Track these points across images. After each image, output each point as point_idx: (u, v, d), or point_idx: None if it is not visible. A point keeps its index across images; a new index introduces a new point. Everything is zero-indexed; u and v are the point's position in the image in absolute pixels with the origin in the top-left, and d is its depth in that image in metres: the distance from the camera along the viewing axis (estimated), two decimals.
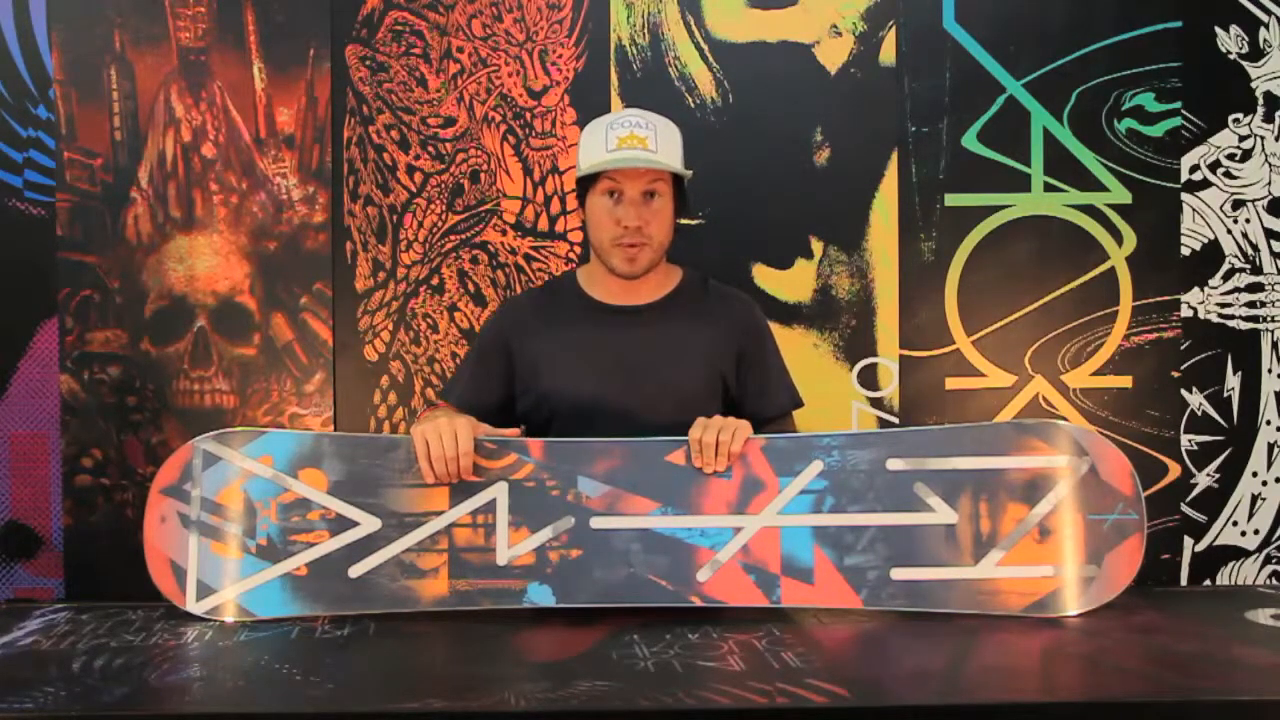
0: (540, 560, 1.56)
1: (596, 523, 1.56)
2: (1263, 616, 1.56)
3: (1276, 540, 2.28)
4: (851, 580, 1.55)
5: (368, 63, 2.24)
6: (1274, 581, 2.28)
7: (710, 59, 2.25)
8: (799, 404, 1.83)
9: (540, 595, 1.55)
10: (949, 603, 1.55)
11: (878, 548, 1.56)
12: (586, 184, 1.71)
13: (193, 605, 1.56)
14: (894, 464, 1.57)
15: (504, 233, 2.24)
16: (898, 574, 1.55)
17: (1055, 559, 1.55)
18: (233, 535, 1.58)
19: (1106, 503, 1.57)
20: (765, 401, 1.78)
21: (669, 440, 1.60)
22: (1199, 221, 2.27)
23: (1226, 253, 2.27)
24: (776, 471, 1.57)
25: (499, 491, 1.57)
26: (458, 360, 2.22)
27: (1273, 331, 2.27)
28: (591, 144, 1.70)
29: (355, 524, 1.57)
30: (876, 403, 2.26)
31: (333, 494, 1.58)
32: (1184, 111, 2.26)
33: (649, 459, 1.58)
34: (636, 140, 1.67)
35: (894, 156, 2.26)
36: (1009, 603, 1.54)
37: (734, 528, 1.56)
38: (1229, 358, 2.27)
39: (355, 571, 1.56)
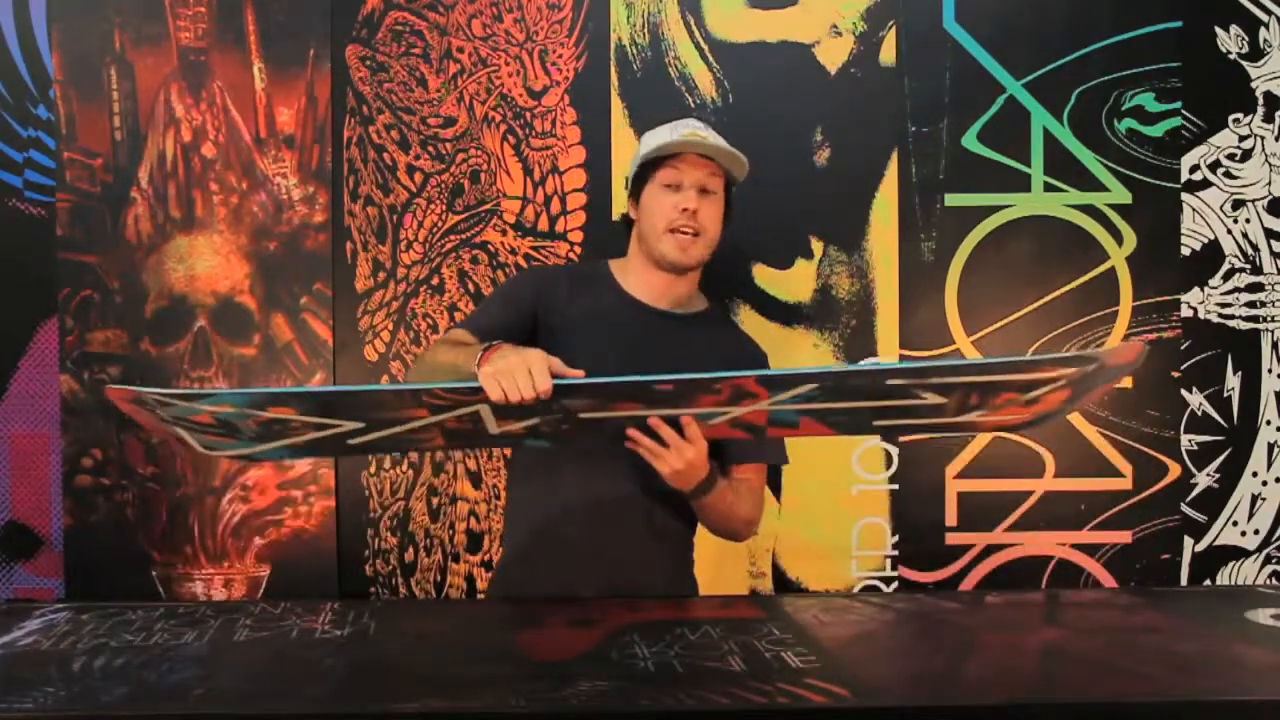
0: (532, 432, 1.53)
1: (586, 415, 1.51)
2: (1263, 616, 1.56)
3: (1276, 540, 2.28)
4: (831, 423, 1.53)
5: (368, 63, 2.24)
6: (1274, 581, 2.28)
7: (710, 59, 2.25)
8: (785, 460, 1.82)
9: (538, 442, 1.55)
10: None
11: (863, 412, 1.52)
12: (643, 179, 1.74)
13: (202, 451, 1.55)
14: (894, 381, 1.50)
15: (504, 233, 2.24)
16: (879, 422, 1.54)
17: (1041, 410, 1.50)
18: (222, 437, 1.53)
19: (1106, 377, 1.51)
20: (759, 448, 1.75)
21: (658, 377, 1.52)
22: (1199, 221, 2.27)
23: (1226, 253, 2.27)
24: (769, 390, 1.50)
25: (482, 409, 1.49)
26: None
27: (1273, 331, 2.27)
28: (655, 138, 1.78)
29: (339, 425, 1.52)
30: None
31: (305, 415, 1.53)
32: (1184, 111, 2.26)
33: (638, 385, 1.53)
34: (699, 137, 1.75)
35: (894, 156, 2.26)
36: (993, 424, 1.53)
37: (723, 411, 1.52)
38: (1229, 358, 2.27)
39: (355, 441, 1.53)
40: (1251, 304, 2.27)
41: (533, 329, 1.77)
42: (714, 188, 1.75)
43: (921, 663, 1.36)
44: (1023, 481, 2.27)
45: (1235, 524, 2.28)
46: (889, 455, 2.27)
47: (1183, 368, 2.27)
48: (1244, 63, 2.26)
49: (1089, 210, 2.26)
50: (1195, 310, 2.27)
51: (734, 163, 1.77)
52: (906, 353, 2.25)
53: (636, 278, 1.80)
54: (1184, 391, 2.27)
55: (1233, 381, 2.27)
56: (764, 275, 2.26)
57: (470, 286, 2.24)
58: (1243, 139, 2.26)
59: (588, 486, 1.70)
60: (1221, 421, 2.27)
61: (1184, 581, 2.27)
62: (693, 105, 2.24)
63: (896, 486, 2.27)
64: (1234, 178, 2.27)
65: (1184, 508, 2.27)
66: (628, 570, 1.70)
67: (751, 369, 1.68)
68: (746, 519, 1.74)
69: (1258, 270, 2.27)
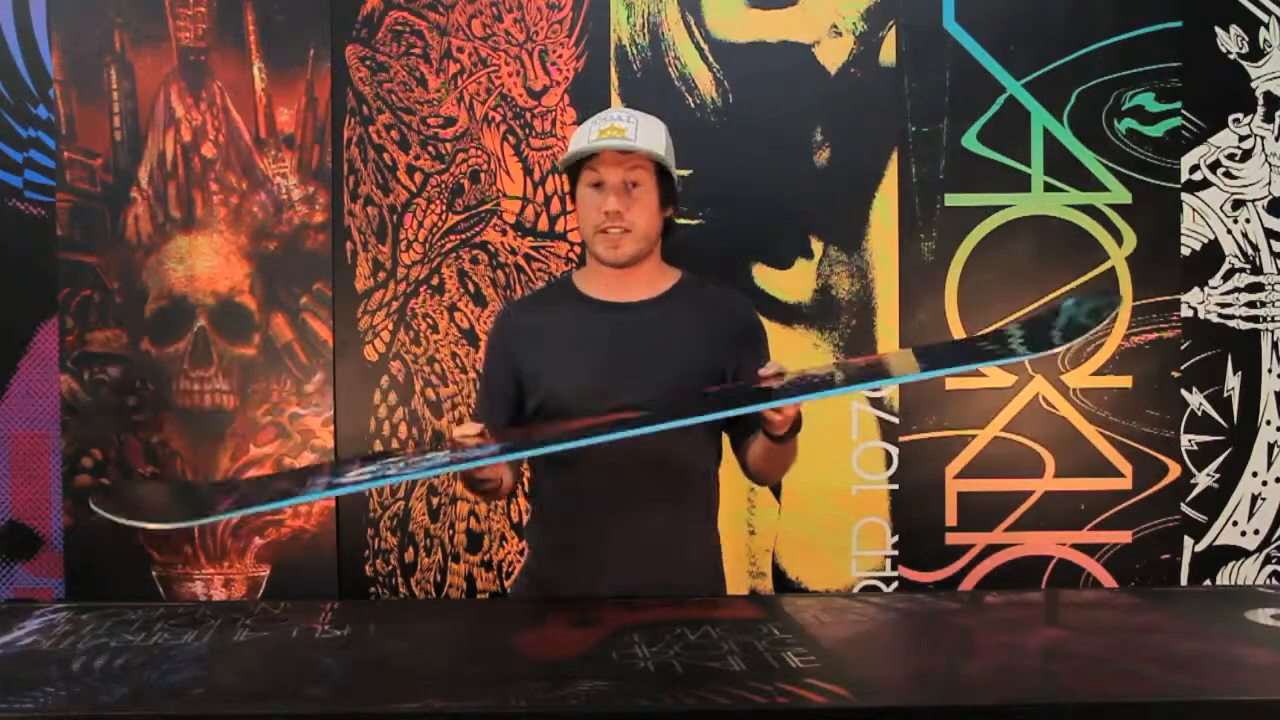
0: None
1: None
2: (1263, 616, 1.56)
3: (1276, 540, 2.28)
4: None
5: (368, 63, 2.24)
6: (1274, 581, 2.28)
7: (710, 59, 2.25)
8: None
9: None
10: None
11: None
12: (574, 180, 1.73)
13: None
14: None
15: (504, 233, 2.24)
16: None
17: None
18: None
19: None
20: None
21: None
22: (1199, 221, 2.27)
23: (1226, 253, 2.27)
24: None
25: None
26: (458, 360, 2.23)
27: (1273, 331, 2.27)
28: (576, 138, 1.74)
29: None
30: (876, 403, 2.26)
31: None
32: (1184, 111, 2.26)
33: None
34: (616, 131, 1.69)
35: (894, 156, 2.26)
36: None
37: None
38: (1229, 358, 2.27)
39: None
40: (1251, 304, 2.27)
41: (520, 379, 1.76)
42: (640, 179, 1.69)
43: (921, 663, 1.36)
44: (1023, 481, 2.27)
45: (1235, 524, 2.28)
46: (889, 455, 2.27)
47: (1183, 368, 2.27)
48: (1244, 63, 2.26)
49: (1089, 210, 2.26)
50: (1195, 310, 2.27)
51: (653, 149, 1.69)
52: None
53: (594, 279, 1.78)
54: (1184, 391, 2.27)
55: (1233, 381, 2.27)
56: (764, 275, 2.26)
57: (470, 286, 2.24)
58: (1243, 139, 2.26)
59: (613, 478, 1.70)
60: (1221, 421, 2.27)
61: (1184, 581, 2.27)
62: (693, 105, 2.24)
63: (896, 486, 2.27)
64: (1234, 178, 2.27)
65: (1184, 508, 2.27)
66: (659, 561, 1.70)
67: (746, 324, 1.75)
68: (794, 458, 1.76)
69: (1258, 270, 2.27)
